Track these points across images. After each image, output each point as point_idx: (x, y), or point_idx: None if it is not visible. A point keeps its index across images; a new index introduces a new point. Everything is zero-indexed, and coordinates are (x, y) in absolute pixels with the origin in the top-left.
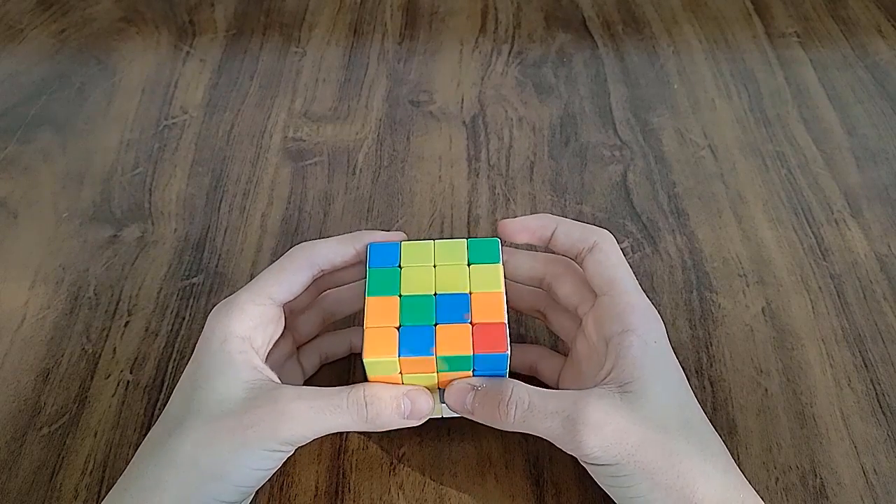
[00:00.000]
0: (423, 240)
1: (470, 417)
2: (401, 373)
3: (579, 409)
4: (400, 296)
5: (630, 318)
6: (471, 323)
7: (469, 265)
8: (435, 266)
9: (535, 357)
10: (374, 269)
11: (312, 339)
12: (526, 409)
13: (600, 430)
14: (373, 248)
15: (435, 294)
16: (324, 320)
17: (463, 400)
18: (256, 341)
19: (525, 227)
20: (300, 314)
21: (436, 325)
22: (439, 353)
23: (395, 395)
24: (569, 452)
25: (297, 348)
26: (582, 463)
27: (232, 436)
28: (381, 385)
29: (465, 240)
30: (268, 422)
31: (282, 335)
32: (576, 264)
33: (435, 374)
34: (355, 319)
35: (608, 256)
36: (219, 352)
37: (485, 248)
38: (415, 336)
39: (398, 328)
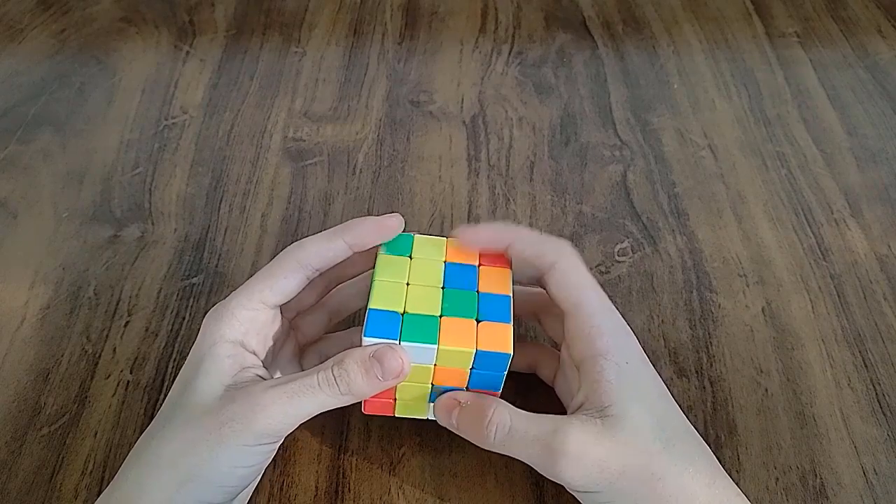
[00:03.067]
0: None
1: (456, 433)
2: None
3: (559, 439)
4: (407, 284)
5: (598, 343)
6: (476, 319)
7: (479, 266)
8: (445, 262)
9: (535, 356)
10: (385, 256)
11: (315, 341)
12: (506, 434)
13: (580, 462)
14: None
15: (443, 287)
16: (330, 319)
17: (449, 415)
18: (250, 344)
19: (478, 237)
20: (308, 314)
21: (441, 316)
22: (442, 345)
23: (360, 360)
24: (550, 479)
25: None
26: (567, 488)
27: (208, 435)
28: (346, 352)
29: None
30: (242, 415)
31: (288, 337)
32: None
33: (432, 367)
34: (357, 320)
35: (568, 277)
36: (207, 354)
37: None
38: (418, 325)
39: (402, 314)
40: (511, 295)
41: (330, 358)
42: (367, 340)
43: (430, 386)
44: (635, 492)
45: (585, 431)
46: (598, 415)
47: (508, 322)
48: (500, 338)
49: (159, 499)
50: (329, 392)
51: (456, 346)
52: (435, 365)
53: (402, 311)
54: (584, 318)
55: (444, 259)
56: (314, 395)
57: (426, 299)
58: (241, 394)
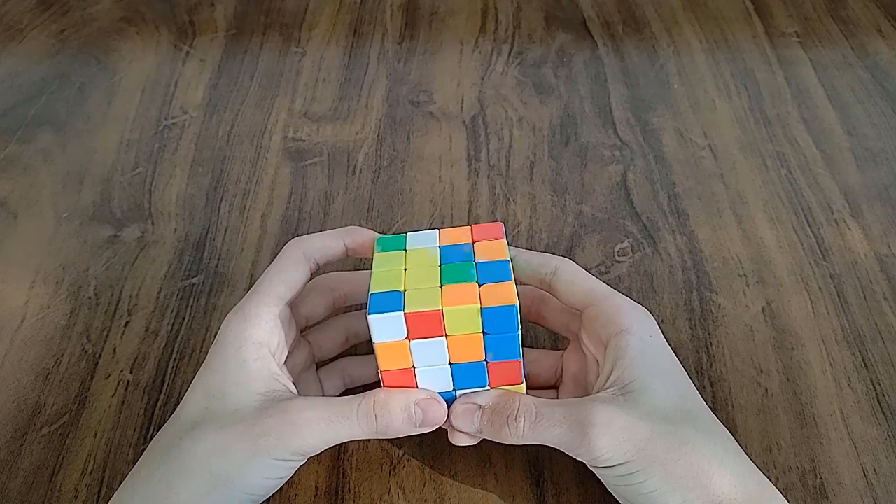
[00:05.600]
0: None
1: (479, 436)
2: (408, 338)
3: (586, 412)
4: (405, 270)
5: (622, 319)
6: (478, 284)
7: (474, 243)
8: (439, 246)
9: (528, 358)
10: (380, 254)
11: (335, 357)
12: (534, 421)
13: (608, 429)
14: (380, 241)
15: (440, 265)
16: (347, 339)
17: (470, 420)
18: (273, 345)
19: None
20: (325, 330)
21: (441, 286)
22: (447, 306)
23: (406, 404)
24: (578, 458)
25: (318, 366)
26: (592, 468)
27: (244, 444)
28: (392, 393)
29: (468, 226)
30: (279, 432)
31: (299, 345)
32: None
33: (444, 338)
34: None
35: (576, 274)
36: (234, 359)
37: (488, 230)
38: (420, 296)
39: (403, 291)
40: (509, 259)
41: (355, 382)
42: (372, 318)
43: (450, 368)
44: (666, 458)
45: (610, 403)
46: (620, 392)
47: (510, 279)
48: (503, 293)
49: (188, 501)
50: (364, 427)
51: (460, 305)
52: (446, 335)
53: (402, 289)
54: (602, 300)
55: (438, 244)
56: (350, 427)
57: (425, 276)
58: (277, 409)
